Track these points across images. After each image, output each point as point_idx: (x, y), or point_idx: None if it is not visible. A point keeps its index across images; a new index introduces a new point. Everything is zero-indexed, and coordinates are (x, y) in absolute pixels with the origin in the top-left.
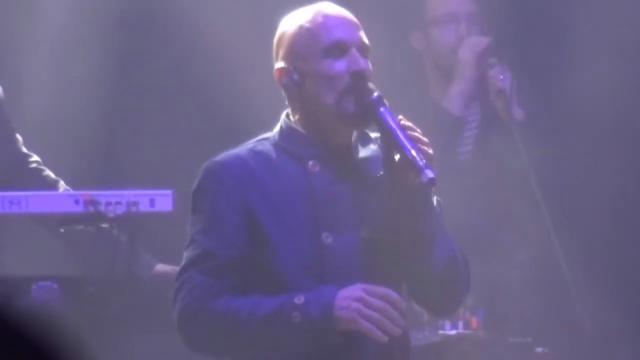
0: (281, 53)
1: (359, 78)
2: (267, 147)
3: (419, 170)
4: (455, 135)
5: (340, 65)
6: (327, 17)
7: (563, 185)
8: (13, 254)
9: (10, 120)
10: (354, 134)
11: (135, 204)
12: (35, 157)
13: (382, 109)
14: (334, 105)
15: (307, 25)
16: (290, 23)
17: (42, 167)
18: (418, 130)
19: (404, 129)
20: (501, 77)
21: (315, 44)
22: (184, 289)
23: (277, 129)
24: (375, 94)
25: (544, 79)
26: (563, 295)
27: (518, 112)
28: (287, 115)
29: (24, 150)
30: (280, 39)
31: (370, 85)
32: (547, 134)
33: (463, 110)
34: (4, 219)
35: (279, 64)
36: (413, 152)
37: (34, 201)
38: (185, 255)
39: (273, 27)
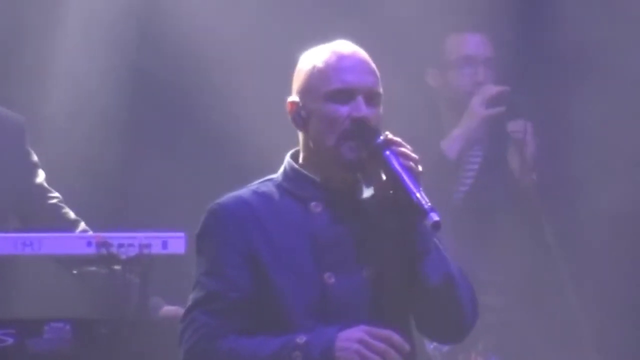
0: (295, 87)
1: (359, 125)
2: (270, 188)
3: (425, 213)
4: (447, 177)
5: (343, 110)
6: (341, 59)
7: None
8: (26, 295)
9: (32, 153)
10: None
11: (148, 246)
12: (55, 194)
13: (387, 152)
14: (334, 148)
15: (320, 65)
16: (307, 60)
17: (62, 204)
18: (407, 146)
19: (400, 157)
20: (522, 135)
21: (322, 86)
22: (189, 329)
23: (281, 170)
24: (381, 137)
25: (559, 119)
26: (575, 337)
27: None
28: (292, 156)
29: (45, 185)
30: (297, 74)
31: (374, 128)
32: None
33: (459, 154)
34: (17, 260)
35: (292, 98)
36: (418, 195)
37: (47, 243)
38: (191, 297)
39: (283, 69)
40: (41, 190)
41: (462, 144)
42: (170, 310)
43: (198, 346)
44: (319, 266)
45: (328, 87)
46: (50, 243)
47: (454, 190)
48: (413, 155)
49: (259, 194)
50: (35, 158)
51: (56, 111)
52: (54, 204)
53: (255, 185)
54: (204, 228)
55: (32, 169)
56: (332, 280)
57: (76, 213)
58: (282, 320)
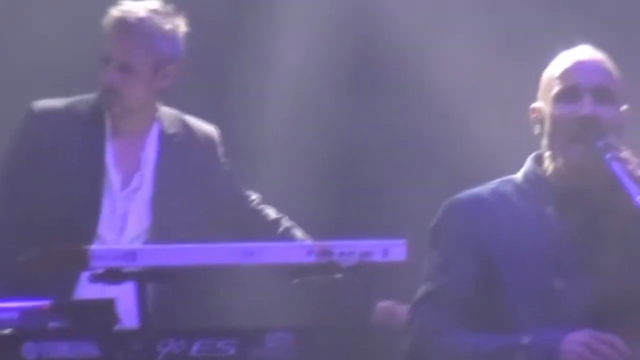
0: (538, 94)
1: (586, 124)
2: (508, 188)
3: None
4: None
5: (569, 109)
6: (575, 61)
7: None
8: (246, 305)
9: (225, 164)
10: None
11: (369, 254)
12: (253, 196)
13: (607, 156)
14: (562, 150)
15: (555, 68)
16: (549, 67)
17: (262, 206)
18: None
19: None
20: None
21: (553, 87)
22: (416, 321)
23: (522, 171)
24: (602, 141)
25: None
26: None
27: None
28: (534, 159)
29: (242, 191)
30: (541, 81)
31: (598, 129)
32: None
33: None
34: (238, 270)
35: (534, 104)
36: (639, 199)
37: (268, 252)
38: (421, 289)
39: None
40: (239, 197)
41: None
42: (385, 307)
43: (422, 340)
44: (549, 271)
45: (557, 88)
46: (271, 252)
47: None
48: (634, 159)
49: (497, 193)
50: (228, 168)
51: (271, 116)
52: (253, 208)
53: (495, 183)
54: (439, 222)
55: (229, 179)
56: (562, 285)
57: (297, 220)
58: (504, 320)
